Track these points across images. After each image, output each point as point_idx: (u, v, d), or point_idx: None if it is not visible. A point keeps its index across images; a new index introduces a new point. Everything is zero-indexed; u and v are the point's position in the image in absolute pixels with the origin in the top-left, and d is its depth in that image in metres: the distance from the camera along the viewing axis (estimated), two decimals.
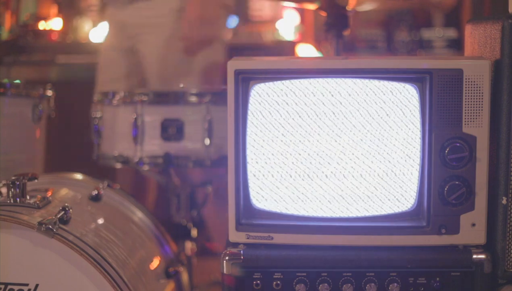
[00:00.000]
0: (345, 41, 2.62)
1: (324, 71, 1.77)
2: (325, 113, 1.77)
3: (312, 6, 2.78)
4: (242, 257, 1.78)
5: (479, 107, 1.72)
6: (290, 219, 1.80)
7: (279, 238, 1.79)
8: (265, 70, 1.78)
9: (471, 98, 1.72)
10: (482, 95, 1.72)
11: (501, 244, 1.76)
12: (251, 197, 1.80)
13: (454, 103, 1.72)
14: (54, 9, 4.57)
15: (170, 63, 3.24)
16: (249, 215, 1.80)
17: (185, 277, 2.46)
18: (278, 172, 1.79)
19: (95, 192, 2.27)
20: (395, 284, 1.77)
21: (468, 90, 1.72)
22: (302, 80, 1.77)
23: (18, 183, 1.97)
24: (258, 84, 1.77)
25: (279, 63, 1.82)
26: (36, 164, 2.66)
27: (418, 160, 1.76)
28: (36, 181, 2.01)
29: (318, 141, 1.78)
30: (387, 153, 1.77)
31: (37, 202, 1.97)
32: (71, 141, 3.66)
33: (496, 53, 1.75)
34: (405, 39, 4.93)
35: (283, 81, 1.77)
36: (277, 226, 1.79)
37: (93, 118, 2.63)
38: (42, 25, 4.41)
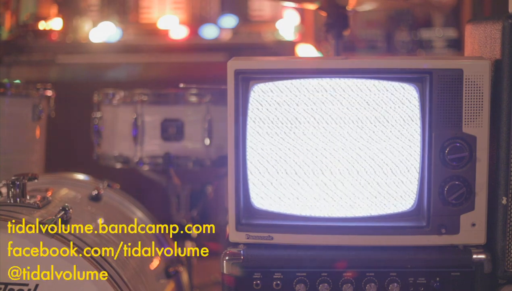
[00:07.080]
0: (345, 41, 2.62)
1: (324, 71, 1.77)
2: (325, 113, 1.77)
3: (312, 6, 2.78)
4: (242, 257, 1.77)
5: (479, 107, 1.72)
6: (290, 219, 1.80)
7: (279, 238, 1.79)
8: (265, 70, 1.78)
9: (471, 98, 1.72)
10: (482, 95, 1.72)
11: (501, 244, 1.76)
12: (251, 197, 1.80)
13: (454, 103, 1.72)
14: (54, 9, 4.56)
15: None
16: (249, 215, 1.80)
17: (185, 277, 2.46)
18: (278, 171, 1.79)
19: (95, 192, 2.27)
20: (395, 284, 1.77)
21: (468, 90, 1.72)
22: (302, 80, 1.76)
23: (18, 183, 1.96)
24: (258, 84, 1.77)
25: (279, 63, 1.82)
26: (36, 164, 2.65)
27: (418, 160, 1.76)
28: (36, 181, 2.01)
29: (318, 141, 1.77)
30: (387, 153, 1.77)
31: (37, 202, 1.97)
32: (71, 141, 3.66)
33: (496, 53, 1.75)
34: (405, 39, 4.93)
35: (283, 81, 1.77)
36: (277, 226, 1.79)
37: (93, 118, 2.63)
38: (42, 25, 4.39)
